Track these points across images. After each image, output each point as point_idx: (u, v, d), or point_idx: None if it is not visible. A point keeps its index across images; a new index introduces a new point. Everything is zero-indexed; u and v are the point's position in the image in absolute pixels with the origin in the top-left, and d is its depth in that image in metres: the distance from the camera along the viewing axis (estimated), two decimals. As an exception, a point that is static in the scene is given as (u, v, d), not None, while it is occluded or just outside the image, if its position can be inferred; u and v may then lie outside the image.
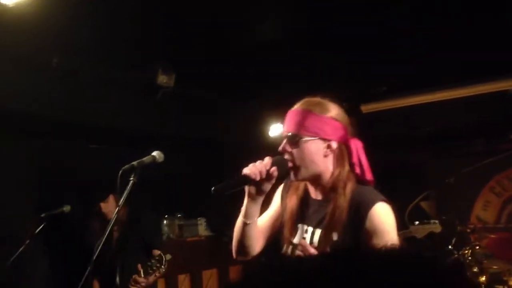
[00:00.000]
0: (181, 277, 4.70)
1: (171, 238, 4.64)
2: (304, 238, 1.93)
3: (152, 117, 4.21)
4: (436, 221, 4.22)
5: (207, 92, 4.47)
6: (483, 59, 4.47)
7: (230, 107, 4.83)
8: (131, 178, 2.40)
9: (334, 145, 1.90)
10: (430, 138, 5.66)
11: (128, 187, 2.39)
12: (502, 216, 5.56)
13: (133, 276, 3.19)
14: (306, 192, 2.01)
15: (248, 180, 1.86)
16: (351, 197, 1.86)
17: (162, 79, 3.94)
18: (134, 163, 2.43)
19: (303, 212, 1.98)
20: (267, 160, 1.88)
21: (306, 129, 1.87)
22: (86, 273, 2.25)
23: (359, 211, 1.82)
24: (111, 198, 3.48)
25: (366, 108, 5.18)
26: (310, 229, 1.94)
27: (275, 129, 5.19)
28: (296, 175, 1.91)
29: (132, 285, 3.21)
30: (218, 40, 3.66)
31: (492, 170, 5.33)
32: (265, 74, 4.40)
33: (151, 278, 3.25)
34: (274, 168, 1.88)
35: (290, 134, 1.90)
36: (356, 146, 1.95)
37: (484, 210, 5.64)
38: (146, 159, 2.48)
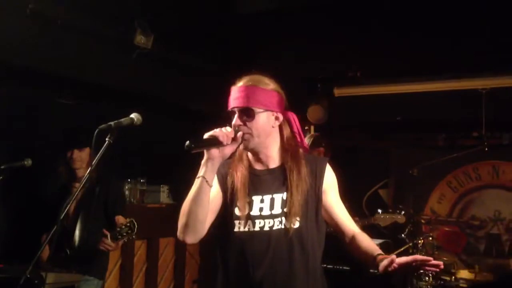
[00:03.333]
0: (138, 243, 4.65)
1: (132, 202, 4.56)
2: (262, 208, 1.97)
3: (123, 75, 4.06)
4: (402, 212, 4.31)
5: (183, 56, 4.35)
6: (456, 57, 4.56)
7: (204, 75, 4.74)
8: (107, 139, 2.32)
9: (280, 117, 2.04)
10: (396, 127, 5.76)
11: (104, 147, 2.32)
12: (455, 211, 5.77)
13: (103, 238, 3.15)
14: (249, 165, 2.06)
15: (217, 142, 1.87)
16: (304, 162, 2.02)
17: (140, 39, 3.80)
18: (112, 123, 2.33)
19: (253, 184, 2.01)
20: (229, 127, 1.93)
21: (258, 102, 1.97)
22: (53, 231, 2.17)
23: (317, 172, 2.03)
24: (87, 150, 3.43)
25: (339, 91, 5.21)
26: (268, 197, 1.99)
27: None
28: (248, 145, 1.99)
29: (101, 246, 3.18)
30: (203, 5, 3.57)
31: (451, 165, 5.50)
32: (244, 48, 4.33)
33: (120, 243, 3.22)
34: (240, 133, 1.95)
35: (243, 107, 1.97)
36: (294, 117, 2.10)
37: (438, 203, 5.82)
38: (124, 120, 2.38)
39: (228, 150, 1.92)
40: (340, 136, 5.62)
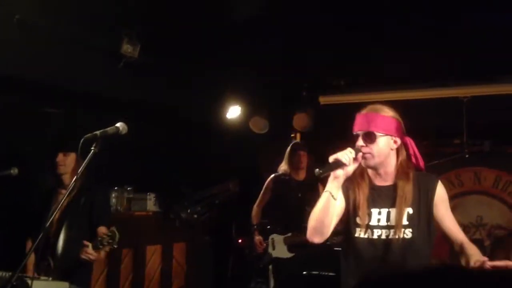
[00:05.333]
0: (125, 251, 4.65)
1: (118, 210, 4.57)
2: (379, 219, 2.34)
3: (111, 84, 4.10)
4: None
5: (171, 64, 4.39)
6: (438, 66, 4.65)
7: (191, 83, 4.78)
8: (93, 148, 2.36)
9: (399, 141, 2.36)
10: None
11: (89, 156, 2.36)
12: (438, 216, 5.84)
13: (84, 248, 3.12)
14: (370, 180, 2.41)
15: (341, 164, 2.21)
16: (413, 181, 2.34)
17: (127, 48, 3.84)
18: (97, 132, 2.38)
19: (372, 197, 2.38)
20: (350, 149, 2.26)
21: (379, 127, 2.31)
22: (39, 238, 2.20)
23: (428, 188, 2.35)
24: (72, 155, 3.39)
25: (324, 99, 5.28)
26: (385, 210, 2.36)
27: (233, 111, 5.20)
28: (369, 164, 2.33)
29: (83, 255, 3.15)
30: (191, 13, 3.61)
31: (433, 171, 5.55)
32: (229, 56, 4.37)
33: (102, 253, 3.19)
34: (360, 154, 2.28)
35: (366, 132, 2.31)
36: (410, 141, 2.43)
37: (422, 209, 5.89)
38: (109, 129, 2.44)
39: (351, 169, 2.27)
40: (327, 144, 5.67)
